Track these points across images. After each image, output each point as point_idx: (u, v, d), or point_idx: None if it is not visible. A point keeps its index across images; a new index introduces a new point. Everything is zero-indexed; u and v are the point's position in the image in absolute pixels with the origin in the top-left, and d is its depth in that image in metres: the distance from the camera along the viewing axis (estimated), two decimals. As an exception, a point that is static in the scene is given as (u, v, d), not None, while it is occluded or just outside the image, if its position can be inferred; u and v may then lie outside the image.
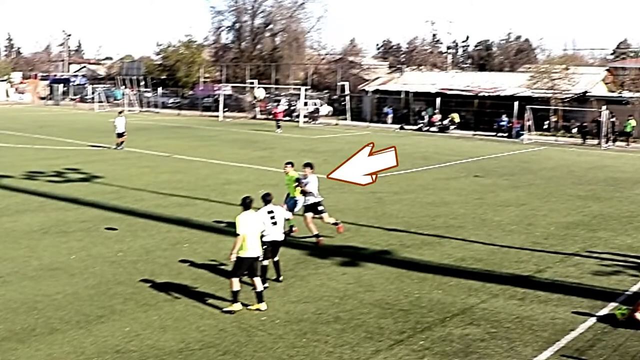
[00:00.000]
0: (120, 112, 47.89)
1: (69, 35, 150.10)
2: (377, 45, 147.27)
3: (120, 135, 44.14)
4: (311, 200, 21.43)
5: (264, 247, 16.21)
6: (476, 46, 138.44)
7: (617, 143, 61.49)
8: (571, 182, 35.24)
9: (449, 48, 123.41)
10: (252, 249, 14.99)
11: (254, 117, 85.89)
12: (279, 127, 65.16)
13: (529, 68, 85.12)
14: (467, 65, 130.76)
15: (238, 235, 14.79)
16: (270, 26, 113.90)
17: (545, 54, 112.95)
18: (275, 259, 17.19)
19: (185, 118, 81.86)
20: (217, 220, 23.35)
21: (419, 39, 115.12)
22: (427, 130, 72.11)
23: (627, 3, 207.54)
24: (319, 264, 18.75)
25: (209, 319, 14.26)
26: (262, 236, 16.10)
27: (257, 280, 15.13)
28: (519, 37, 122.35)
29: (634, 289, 17.06)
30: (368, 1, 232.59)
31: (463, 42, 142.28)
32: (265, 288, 15.69)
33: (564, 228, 24.26)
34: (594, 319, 14.76)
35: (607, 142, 60.58)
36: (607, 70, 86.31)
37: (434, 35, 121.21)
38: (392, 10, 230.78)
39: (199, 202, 27.06)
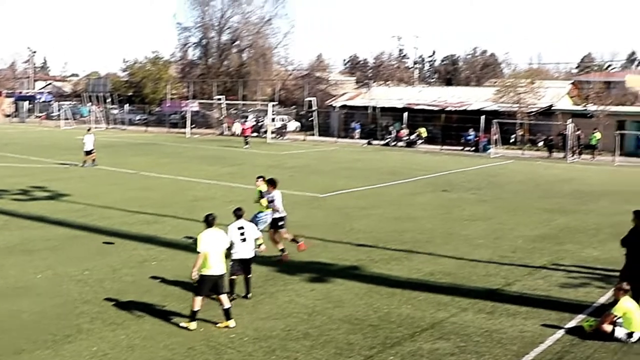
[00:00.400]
0: (88, 130, 47.60)
1: (34, 52, 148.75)
2: (344, 60, 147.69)
3: (88, 153, 43.88)
4: (276, 215, 21.46)
5: (231, 263, 16.19)
6: (442, 61, 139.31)
7: (583, 156, 62.01)
8: (538, 196, 35.43)
9: (415, 63, 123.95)
10: (216, 267, 14.89)
11: (222, 134, 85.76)
12: (247, 143, 65.15)
13: (495, 82, 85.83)
14: (434, 80, 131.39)
15: (199, 252, 14.75)
16: (237, 42, 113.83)
17: (511, 68, 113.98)
18: (249, 275, 17.12)
19: (152, 135, 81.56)
20: (187, 236, 23.17)
21: (385, 54, 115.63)
22: (395, 145, 72.40)
23: (591, 18, 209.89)
24: (287, 280, 18.69)
25: (177, 336, 14.16)
26: (229, 254, 16.14)
27: (224, 297, 15.01)
28: (484, 52, 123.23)
29: (601, 300, 17.14)
30: (335, 17, 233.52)
31: (429, 57, 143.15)
32: (232, 300, 15.73)
33: (531, 241, 24.36)
34: (562, 332, 14.82)
35: (572, 155, 61.07)
36: (572, 83, 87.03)
37: (400, 50, 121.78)
38: (359, 26, 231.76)
39: (166, 220, 26.91)
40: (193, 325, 14.66)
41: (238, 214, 16.84)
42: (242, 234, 16.69)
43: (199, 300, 14.75)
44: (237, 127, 79.13)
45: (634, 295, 15.22)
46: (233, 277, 16.67)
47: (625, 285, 14.89)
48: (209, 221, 15.26)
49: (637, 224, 16.40)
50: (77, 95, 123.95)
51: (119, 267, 19.56)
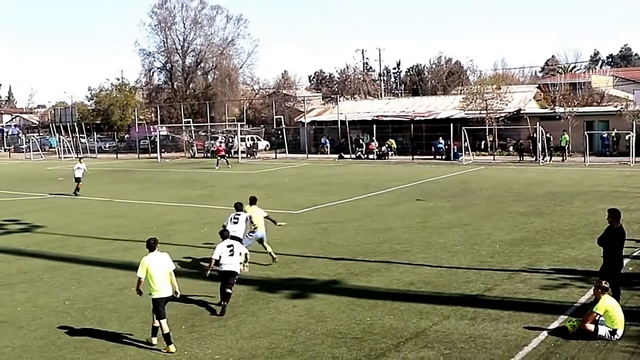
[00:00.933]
0: (80, 159, 48.51)
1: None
2: (310, 76, 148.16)
3: (78, 180, 43.90)
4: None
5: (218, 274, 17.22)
6: (408, 71, 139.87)
7: (554, 158, 62.37)
8: (512, 200, 35.58)
9: (380, 75, 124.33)
10: (162, 289, 14.99)
11: (193, 156, 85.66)
12: (218, 163, 65.31)
13: (462, 90, 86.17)
14: (401, 91, 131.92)
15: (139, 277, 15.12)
16: (202, 64, 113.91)
17: (476, 74, 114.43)
18: (229, 291, 17.34)
19: (123, 161, 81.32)
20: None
21: (350, 68, 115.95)
22: (366, 158, 72.51)
23: (553, 21, 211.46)
24: (268, 298, 18.66)
25: (162, 361, 14.13)
26: (220, 264, 17.37)
27: (163, 322, 14.90)
28: (449, 60, 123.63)
29: (582, 300, 17.22)
30: (298, 34, 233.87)
31: (394, 68, 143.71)
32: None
33: (509, 245, 24.47)
34: (545, 333, 14.88)
35: (543, 158, 61.42)
36: (538, 87, 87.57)
37: (365, 63, 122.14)
38: (323, 41, 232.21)
39: (143, 245, 26.62)
40: (172, 348, 14.67)
41: (224, 235, 17.98)
42: (231, 250, 17.55)
43: (164, 323, 14.81)
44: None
45: (614, 293, 15.34)
46: (228, 289, 17.35)
47: (605, 284, 14.99)
48: (150, 244, 15.50)
49: (612, 222, 16.55)
50: (45, 126, 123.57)
51: (99, 295, 19.48)
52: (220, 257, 17.50)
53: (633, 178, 45.30)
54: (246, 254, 19.85)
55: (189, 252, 24.73)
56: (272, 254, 22.56)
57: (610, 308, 14.60)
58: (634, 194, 36.66)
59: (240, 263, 18.21)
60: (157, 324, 14.90)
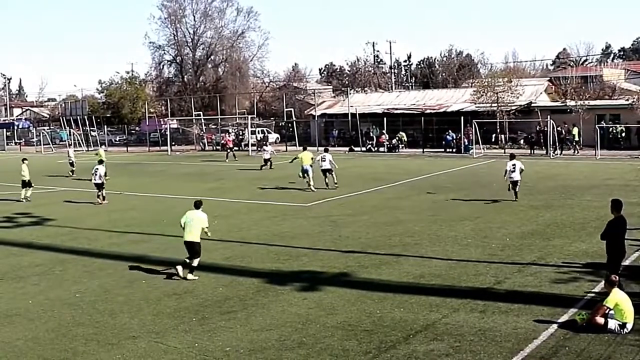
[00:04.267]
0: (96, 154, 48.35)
1: (10, 78, 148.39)
2: (320, 69, 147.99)
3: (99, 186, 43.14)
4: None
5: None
6: (418, 64, 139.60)
7: (565, 151, 62.26)
8: (523, 193, 35.44)
9: (391, 68, 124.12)
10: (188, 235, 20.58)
11: (203, 149, 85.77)
12: (227, 156, 65.55)
13: (473, 83, 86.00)
14: (411, 84, 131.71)
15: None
16: (212, 57, 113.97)
17: (487, 67, 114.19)
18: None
19: (133, 154, 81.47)
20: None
21: (361, 60, 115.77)
22: (377, 151, 72.48)
23: (565, 14, 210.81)
24: (278, 290, 18.69)
25: (172, 354, 14.14)
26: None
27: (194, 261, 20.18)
28: (460, 53, 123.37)
29: (592, 293, 17.20)
30: (308, 26, 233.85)
31: (405, 61, 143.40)
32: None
33: (519, 238, 24.45)
34: (555, 326, 14.86)
35: (554, 151, 61.32)
36: (549, 80, 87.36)
37: (376, 56, 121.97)
38: (334, 34, 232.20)
39: (154, 238, 26.86)
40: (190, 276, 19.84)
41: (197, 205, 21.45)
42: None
43: (194, 261, 20.23)
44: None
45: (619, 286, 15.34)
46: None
47: (614, 277, 14.98)
48: (195, 204, 21.38)
49: (614, 214, 16.62)
50: (56, 120, 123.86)
51: (110, 288, 19.53)
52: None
53: (644, 171, 45.18)
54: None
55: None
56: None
57: (620, 301, 14.58)
58: (645, 188, 36.61)
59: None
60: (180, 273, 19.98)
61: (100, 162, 38.91)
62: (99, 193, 37.66)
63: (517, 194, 33.60)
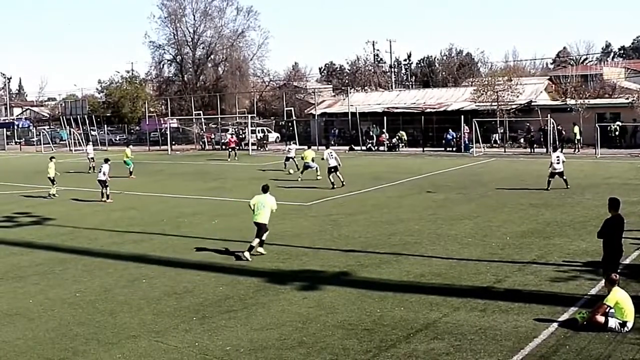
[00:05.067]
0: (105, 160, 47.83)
1: (10, 78, 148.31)
2: (320, 68, 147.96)
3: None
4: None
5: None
6: (418, 63, 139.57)
7: (565, 150, 62.23)
8: (523, 192, 35.50)
9: (391, 67, 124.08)
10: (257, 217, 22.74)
11: (203, 149, 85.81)
12: (229, 155, 65.66)
13: (472, 82, 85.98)
14: (411, 83, 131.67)
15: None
16: (212, 57, 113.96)
17: (487, 66, 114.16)
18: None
19: (133, 154, 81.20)
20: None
21: (361, 59, 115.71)
22: (377, 150, 72.47)
23: (565, 12, 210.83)
24: (279, 289, 18.69)
25: (172, 353, 14.14)
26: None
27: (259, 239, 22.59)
28: (460, 52, 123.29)
29: (593, 292, 17.19)
30: (308, 25, 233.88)
31: (405, 60, 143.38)
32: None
33: (520, 237, 24.45)
34: (555, 325, 14.85)
35: (554, 149, 61.27)
36: (549, 79, 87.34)
37: (375, 55, 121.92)
38: (334, 33, 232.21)
39: (154, 237, 26.87)
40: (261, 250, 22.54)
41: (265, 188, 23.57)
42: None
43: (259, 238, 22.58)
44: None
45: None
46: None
47: (614, 276, 14.97)
48: (263, 188, 23.56)
49: (612, 212, 16.66)
50: (56, 119, 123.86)
51: (110, 287, 19.53)
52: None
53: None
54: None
55: (199, 244, 24.79)
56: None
57: (620, 300, 14.58)
58: (646, 186, 36.62)
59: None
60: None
61: (106, 160, 39.50)
62: (103, 191, 37.99)
63: (567, 181, 36.60)
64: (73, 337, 15.30)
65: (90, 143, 65.47)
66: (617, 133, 66.39)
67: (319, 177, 43.88)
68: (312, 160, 44.81)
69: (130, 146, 58.13)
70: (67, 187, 43.62)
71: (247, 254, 22.06)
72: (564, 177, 36.46)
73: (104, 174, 37.81)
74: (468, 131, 65.72)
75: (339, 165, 40.45)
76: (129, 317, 16.69)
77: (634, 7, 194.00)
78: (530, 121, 67.76)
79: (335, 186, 39.40)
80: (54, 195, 39.73)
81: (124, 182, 46.49)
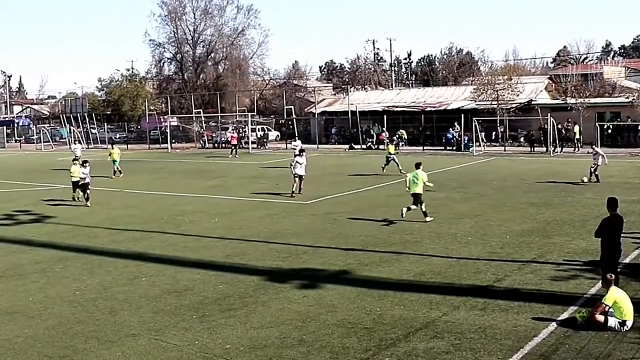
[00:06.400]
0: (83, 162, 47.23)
1: (10, 76, 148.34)
2: (320, 67, 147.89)
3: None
4: None
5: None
6: (419, 62, 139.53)
7: (565, 149, 62.26)
8: (523, 191, 35.52)
9: (391, 66, 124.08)
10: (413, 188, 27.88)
11: (203, 147, 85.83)
12: (232, 152, 65.84)
13: (473, 81, 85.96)
14: (412, 81, 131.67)
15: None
16: (212, 55, 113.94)
17: (488, 65, 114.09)
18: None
19: (133, 152, 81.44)
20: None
21: (361, 58, 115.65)
22: (377, 149, 72.43)
23: (565, 11, 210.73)
24: (279, 288, 18.68)
25: (172, 351, 14.14)
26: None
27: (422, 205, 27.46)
28: (460, 51, 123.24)
29: (592, 291, 17.17)
30: (309, 24, 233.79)
31: (405, 59, 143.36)
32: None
33: (519, 236, 24.46)
34: (555, 324, 14.85)
35: (555, 149, 61.31)
36: (549, 78, 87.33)
37: (376, 54, 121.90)
38: (334, 32, 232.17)
39: (154, 235, 26.88)
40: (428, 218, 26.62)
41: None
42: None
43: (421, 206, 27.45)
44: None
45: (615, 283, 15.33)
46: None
47: (609, 276, 14.96)
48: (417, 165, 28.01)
49: (610, 212, 16.68)
50: (56, 117, 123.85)
51: (110, 285, 19.53)
52: None
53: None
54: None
55: (199, 242, 24.83)
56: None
57: (619, 299, 14.59)
58: (646, 185, 36.62)
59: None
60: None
61: (85, 162, 37.37)
62: (84, 193, 36.45)
63: (598, 177, 38.86)
64: (73, 335, 15.30)
65: (78, 142, 65.36)
66: (609, 131, 66.35)
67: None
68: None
69: (116, 145, 57.43)
70: (66, 186, 43.57)
71: (427, 218, 27.64)
72: (597, 172, 38.89)
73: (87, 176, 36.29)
74: (475, 131, 65.55)
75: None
76: (129, 315, 16.69)
77: (634, 5, 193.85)
78: (535, 119, 67.70)
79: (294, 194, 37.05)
80: (79, 199, 37.76)
81: (117, 182, 46.49)
